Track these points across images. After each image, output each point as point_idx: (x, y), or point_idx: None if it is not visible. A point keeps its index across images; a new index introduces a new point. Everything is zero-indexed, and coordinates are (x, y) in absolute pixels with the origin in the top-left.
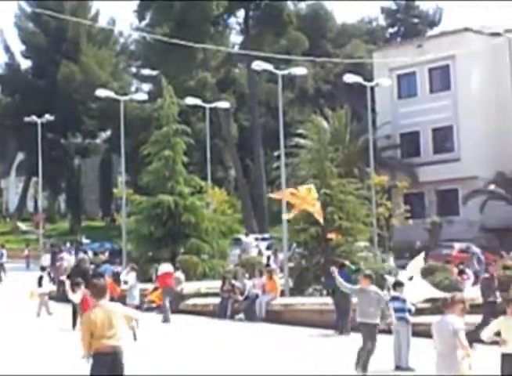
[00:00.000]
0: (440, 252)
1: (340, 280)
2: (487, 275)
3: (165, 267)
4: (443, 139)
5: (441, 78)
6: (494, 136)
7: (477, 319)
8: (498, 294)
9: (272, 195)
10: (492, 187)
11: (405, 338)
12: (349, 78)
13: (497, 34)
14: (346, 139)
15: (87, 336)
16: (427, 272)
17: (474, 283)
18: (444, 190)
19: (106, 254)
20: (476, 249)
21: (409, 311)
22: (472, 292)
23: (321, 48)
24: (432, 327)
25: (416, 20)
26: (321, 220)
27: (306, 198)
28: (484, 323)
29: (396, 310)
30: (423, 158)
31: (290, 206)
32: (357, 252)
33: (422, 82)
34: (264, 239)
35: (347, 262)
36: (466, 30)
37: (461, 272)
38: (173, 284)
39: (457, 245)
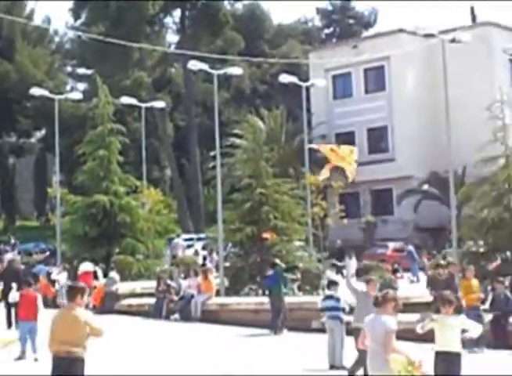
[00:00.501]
0: (375, 251)
1: (349, 280)
2: (447, 275)
3: (85, 266)
4: (378, 139)
5: (376, 79)
6: (428, 136)
7: (414, 317)
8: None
9: (313, 145)
10: (425, 187)
11: (340, 337)
12: (284, 78)
13: (431, 36)
14: (282, 138)
15: (49, 336)
16: (362, 272)
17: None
18: (379, 190)
19: (47, 253)
20: (411, 248)
21: (343, 310)
22: (408, 291)
23: (257, 48)
24: (364, 326)
25: (351, 21)
26: (349, 180)
27: (345, 157)
28: None
29: (330, 309)
30: (358, 158)
31: (326, 161)
32: (293, 252)
33: (357, 83)
34: (199, 239)
35: (277, 261)
36: (401, 31)
37: (395, 271)
38: (92, 284)
39: (391, 244)
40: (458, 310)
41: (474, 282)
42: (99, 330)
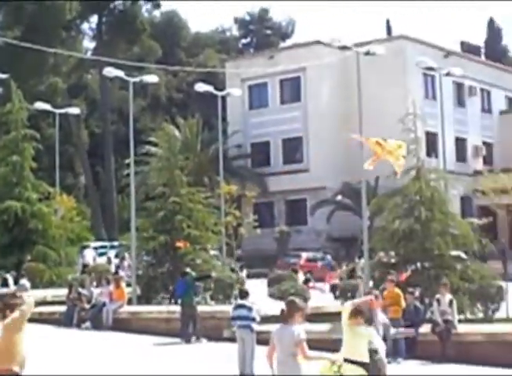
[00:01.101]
0: (288, 261)
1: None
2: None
3: None
4: (293, 149)
5: (291, 90)
6: (342, 148)
7: (325, 327)
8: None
9: (354, 136)
10: (339, 198)
11: (250, 346)
12: (200, 87)
13: (346, 48)
14: (197, 147)
15: None
16: (274, 281)
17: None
18: (293, 200)
19: None
20: (329, 257)
21: (254, 319)
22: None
23: (174, 56)
24: (273, 335)
25: (268, 32)
26: (398, 175)
27: (392, 152)
28: None
29: (241, 318)
30: (273, 168)
31: (374, 153)
32: (206, 261)
33: (273, 93)
34: (113, 247)
35: (188, 270)
36: (317, 42)
37: (307, 281)
38: None
39: (304, 254)
40: (368, 321)
41: (396, 293)
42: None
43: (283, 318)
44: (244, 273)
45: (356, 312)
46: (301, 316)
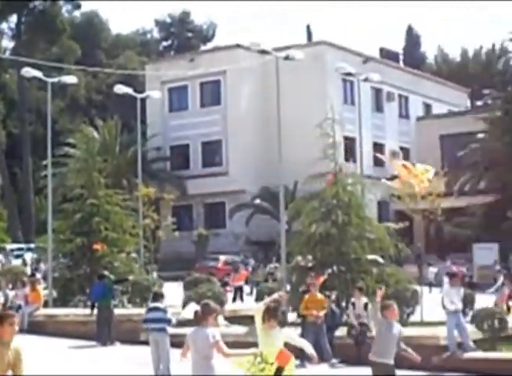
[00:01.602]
0: (206, 264)
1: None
2: (304, 288)
3: None
4: (212, 152)
5: (212, 93)
6: (261, 151)
7: (242, 330)
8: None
9: (381, 156)
10: (257, 201)
11: (165, 350)
12: (119, 89)
13: (265, 52)
14: (116, 149)
15: None
16: (191, 285)
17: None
18: (212, 203)
19: None
20: (252, 261)
21: (169, 322)
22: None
23: (94, 57)
24: (187, 338)
25: (189, 35)
26: (418, 197)
27: (418, 176)
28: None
29: (155, 321)
30: (193, 171)
31: (398, 175)
32: (124, 263)
33: (193, 96)
34: (29, 249)
35: (106, 273)
36: (238, 46)
37: (225, 285)
38: None
39: (222, 257)
40: (282, 324)
41: (320, 297)
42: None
43: (197, 320)
44: (154, 276)
45: (268, 314)
46: (215, 318)
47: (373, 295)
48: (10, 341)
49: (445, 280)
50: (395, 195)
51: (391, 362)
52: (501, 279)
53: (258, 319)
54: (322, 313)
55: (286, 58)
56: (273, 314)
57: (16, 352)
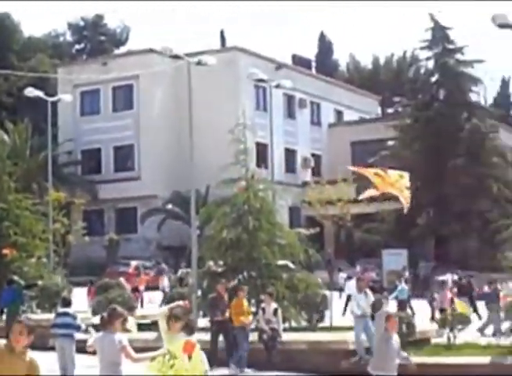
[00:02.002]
0: (117, 269)
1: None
2: (214, 294)
3: None
4: (124, 157)
5: (124, 97)
6: (173, 156)
7: (152, 335)
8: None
9: (353, 168)
10: (169, 206)
11: (70, 356)
12: (30, 92)
13: (178, 57)
14: (26, 153)
15: None
16: (101, 289)
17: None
18: (123, 208)
19: None
20: (164, 266)
21: (79, 328)
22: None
23: (6, 60)
24: (94, 343)
25: (102, 38)
26: (405, 209)
27: (394, 184)
28: (214, 342)
29: (64, 326)
30: (104, 176)
31: (372, 185)
32: (34, 268)
33: (105, 100)
34: None
35: (16, 278)
36: (151, 51)
37: (135, 290)
38: None
39: (133, 263)
40: (191, 330)
41: (245, 302)
42: None
43: (103, 325)
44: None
45: (172, 319)
46: (122, 322)
47: (283, 300)
48: (23, 351)
49: (348, 284)
50: (306, 201)
51: (394, 374)
52: (400, 285)
53: (162, 324)
54: (250, 319)
55: (199, 63)
56: (177, 319)
57: (32, 366)
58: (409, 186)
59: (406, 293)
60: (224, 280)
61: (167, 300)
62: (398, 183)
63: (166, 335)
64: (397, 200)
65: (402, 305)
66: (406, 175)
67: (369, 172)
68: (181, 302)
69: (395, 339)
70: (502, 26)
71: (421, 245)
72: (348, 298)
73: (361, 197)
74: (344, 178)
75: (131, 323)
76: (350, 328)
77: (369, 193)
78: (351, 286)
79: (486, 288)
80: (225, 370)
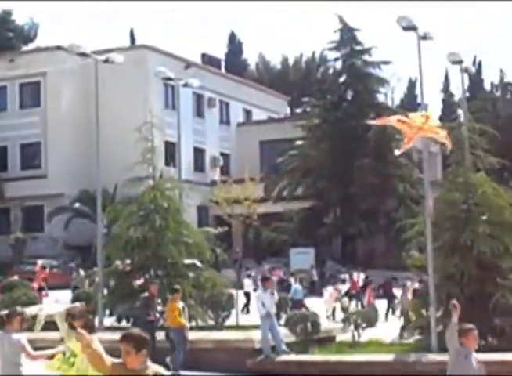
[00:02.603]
0: (23, 268)
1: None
2: (147, 294)
3: None
4: (31, 155)
5: (31, 94)
6: (81, 155)
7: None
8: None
9: (373, 122)
10: (76, 205)
11: None
12: None
13: (85, 55)
14: None
15: None
16: (5, 288)
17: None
18: (30, 207)
19: None
20: (73, 265)
21: None
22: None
23: None
24: None
25: (10, 34)
26: (449, 147)
27: (423, 127)
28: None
29: None
30: (11, 173)
31: (403, 135)
32: None
33: (12, 97)
34: None
35: None
36: (59, 48)
37: (40, 289)
38: None
39: (40, 262)
40: (91, 329)
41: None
42: None
43: (2, 325)
44: None
45: (69, 317)
46: (20, 322)
47: (191, 299)
48: (141, 370)
49: (245, 282)
50: (214, 200)
51: None
52: (294, 285)
53: (60, 323)
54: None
55: (106, 61)
56: (73, 316)
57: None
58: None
59: (301, 293)
60: (157, 280)
61: (72, 299)
62: (426, 125)
63: (65, 334)
64: (305, 199)
65: (297, 304)
66: (430, 112)
67: (392, 121)
68: (77, 303)
69: (475, 358)
70: (406, 28)
71: (328, 244)
72: (247, 295)
73: (398, 152)
74: (251, 177)
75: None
76: (256, 327)
77: (405, 146)
78: (248, 284)
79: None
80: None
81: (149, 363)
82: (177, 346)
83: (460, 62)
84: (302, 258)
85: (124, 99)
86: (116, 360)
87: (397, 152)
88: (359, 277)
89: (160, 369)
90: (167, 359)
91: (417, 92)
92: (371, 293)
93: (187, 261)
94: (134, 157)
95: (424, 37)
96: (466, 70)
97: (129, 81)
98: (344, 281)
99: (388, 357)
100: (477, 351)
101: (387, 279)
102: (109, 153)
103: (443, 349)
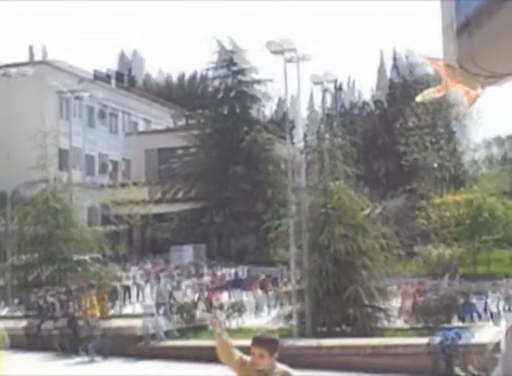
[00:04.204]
0: None
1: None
2: (64, 288)
3: None
4: None
5: None
6: None
7: None
8: None
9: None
10: None
11: None
12: None
13: None
14: None
15: None
16: None
17: None
18: None
19: None
20: None
21: None
22: None
23: None
24: None
25: None
26: (467, 108)
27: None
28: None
29: None
30: None
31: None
32: None
33: None
34: None
35: None
36: None
37: None
38: None
39: None
40: None
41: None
42: None
43: None
44: None
45: None
46: None
47: (81, 292)
48: (269, 370)
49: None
50: (102, 202)
51: None
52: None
53: None
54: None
55: (4, 75)
56: None
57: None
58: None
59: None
60: (72, 275)
61: None
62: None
63: None
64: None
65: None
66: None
67: (441, 66)
68: None
69: None
70: (274, 52)
71: (206, 242)
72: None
73: (419, 98)
74: (135, 182)
75: None
76: (138, 316)
77: (432, 93)
78: (135, 277)
79: None
80: (78, 359)
81: (277, 363)
82: (92, 335)
83: (320, 82)
84: (182, 255)
85: (20, 110)
86: (245, 356)
87: (419, 98)
88: (229, 273)
89: (288, 369)
90: (89, 346)
91: (286, 108)
92: (256, 285)
93: (76, 257)
94: (30, 162)
95: (290, 60)
96: (326, 90)
97: (27, 93)
98: (202, 275)
99: None
100: (334, 337)
101: (266, 275)
102: (6, 159)
103: (303, 335)
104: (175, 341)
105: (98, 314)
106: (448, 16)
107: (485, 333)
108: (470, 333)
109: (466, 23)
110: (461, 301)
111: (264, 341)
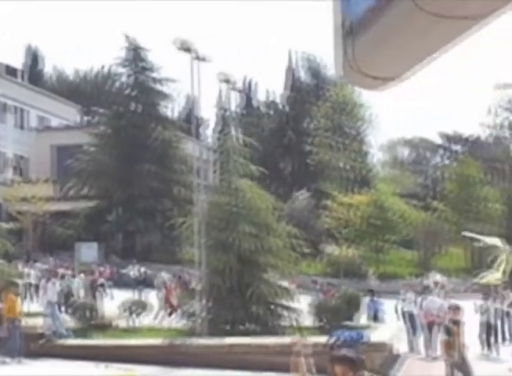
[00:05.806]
0: None
1: None
2: None
3: None
4: None
5: None
6: None
7: None
8: None
9: None
10: None
11: None
12: None
13: None
14: None
15: None
16: None
17: None
18: None
19: None
20: None
21: None
22: None
23: None
24: None
25: None
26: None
27: None
28: None
29: None
30: None
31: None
32: None
33: None
34: None
35: None
36: None
37: None
38: None
39: None
40: None
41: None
42: None
43: None
44: None
45: None
46: None
47: None
48: None
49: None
50: (5, 198)
51: None
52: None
53: None
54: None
55: None
56: None
57: None
58: None
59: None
60: None
61: None
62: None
63: None
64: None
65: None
66: None
67: None
68: None
69: None
70: (182, 49)
71: (111, 239)
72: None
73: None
74: (43, 178)
75: None
76: (39, 314)
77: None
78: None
79: None
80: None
81: None
82: (13, 336)
83: (227, 81)
84: (87, 252)
85: None
86: None
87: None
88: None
89: None
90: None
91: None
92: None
93: None
94: None
95: (198, 58)
96: (233, 88)
97: None
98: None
99: (157, 341)
100: (236, 336)
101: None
102: None
103: (206, 333)
104: (78, 339)
105: (16, 313)
106: (338, 18)
107: (386, 332)
108: (370, 331)
109: (351, 27)
110: (367, 299)
111: (346, 360)
